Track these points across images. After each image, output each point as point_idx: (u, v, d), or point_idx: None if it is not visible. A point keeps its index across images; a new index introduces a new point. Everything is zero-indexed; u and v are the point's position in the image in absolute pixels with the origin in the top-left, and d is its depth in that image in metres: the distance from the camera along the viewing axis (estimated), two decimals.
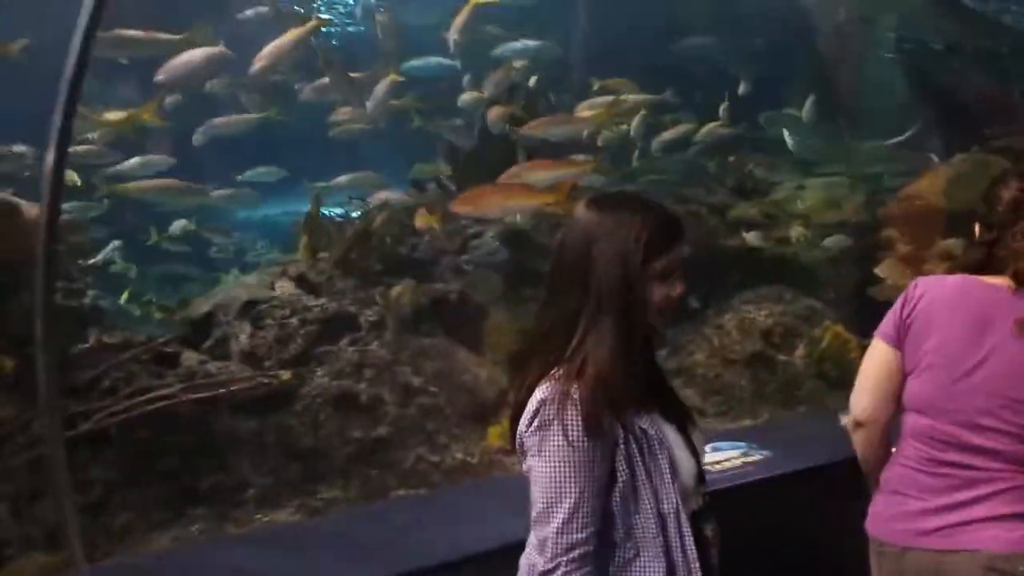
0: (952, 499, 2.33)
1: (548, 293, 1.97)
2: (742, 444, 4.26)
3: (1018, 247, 2.32)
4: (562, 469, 1.82)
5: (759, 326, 6.24)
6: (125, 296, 7.09)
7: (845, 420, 2.64)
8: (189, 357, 4.95)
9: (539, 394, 1.85)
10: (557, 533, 1.82)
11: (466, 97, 7.14)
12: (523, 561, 2.00)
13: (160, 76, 5.11)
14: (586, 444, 1.82)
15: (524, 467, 1.94)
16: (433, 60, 7.32)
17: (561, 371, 1.87)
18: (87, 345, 4.73)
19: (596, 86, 7.39)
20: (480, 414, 5.42)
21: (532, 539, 1.93)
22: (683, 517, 1.92)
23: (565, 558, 1.82)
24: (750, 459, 4.10)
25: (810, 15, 8.86)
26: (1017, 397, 2.27)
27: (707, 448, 2.76)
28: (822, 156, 8.01)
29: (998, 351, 2.29)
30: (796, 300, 6.52)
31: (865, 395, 2.53)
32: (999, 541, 2.24)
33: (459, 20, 6.42)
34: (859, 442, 2.60)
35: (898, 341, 2.44)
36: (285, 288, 5.77)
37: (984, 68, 8.15)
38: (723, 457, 3.73)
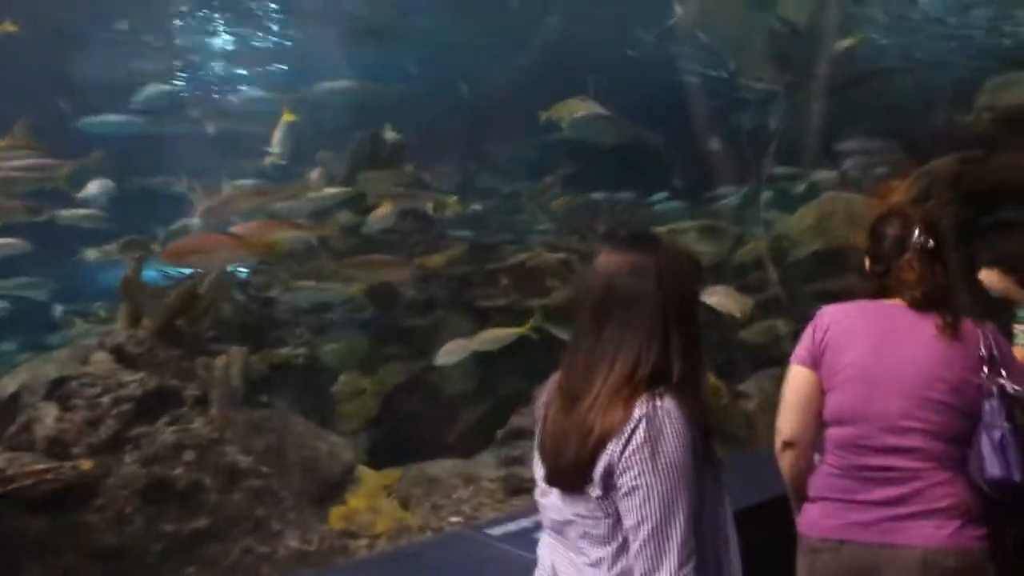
0: (879, 496, 2.53)
1: (609, 325, 1.96)
2: None
3: (906, 277, 2.60)
4: (676, 478, 1.82)
5: None
6: None
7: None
8: None
9: (637, 412, 1.85)
10: (682, 543, 1.81)
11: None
12: None
13: None
14: (694, 454, 1.85)
15: (596, 492, 1.89)
16: None
17: (653, 391, 1.87)
18: None
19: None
20: (320, 494, 4.89)
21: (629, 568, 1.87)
22: (733, 534, 1.96)
23: (688, 567, 1.80)
24: None
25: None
26: (930, 396, 2.50)
27: None
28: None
29: (909, 358, 2.54)
30: None
31: (791, 416, 2.69)
32: (932, 537, 2.47)
33: (277, 136, 6.76)
34: (787, 463, 2.73)
35: (814, 364, 2.65)
36: (100, 362, 5.16)
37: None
38: None
